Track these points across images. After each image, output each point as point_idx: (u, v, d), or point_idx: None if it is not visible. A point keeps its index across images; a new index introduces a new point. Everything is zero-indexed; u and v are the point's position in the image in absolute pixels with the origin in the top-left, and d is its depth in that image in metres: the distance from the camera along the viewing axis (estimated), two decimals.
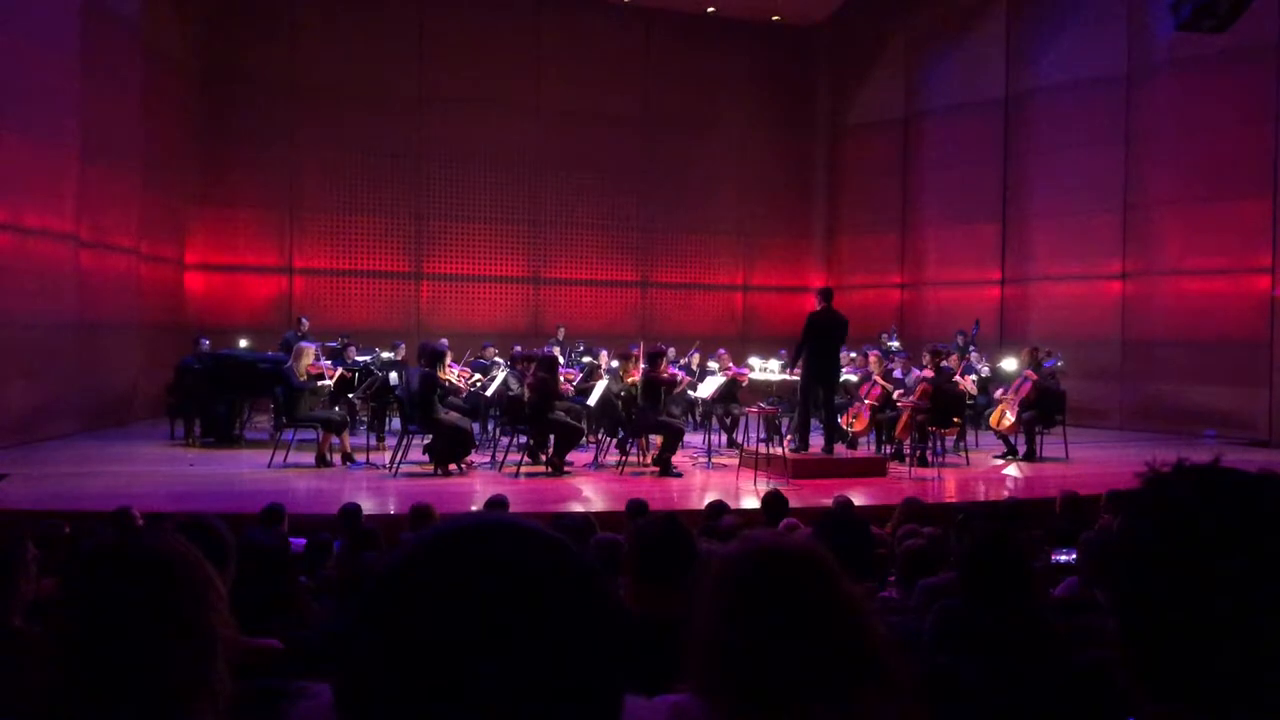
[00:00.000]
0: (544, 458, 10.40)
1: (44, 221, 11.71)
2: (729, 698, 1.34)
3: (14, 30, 11.01)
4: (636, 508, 6.32)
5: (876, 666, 1.36)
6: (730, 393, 12.25)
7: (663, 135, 18.68)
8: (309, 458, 10.38)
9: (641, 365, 10.74)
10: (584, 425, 11.22)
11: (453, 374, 11.13)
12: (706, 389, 11.67)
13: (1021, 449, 11.67)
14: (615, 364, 12.03)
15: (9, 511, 7.01)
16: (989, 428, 12.21)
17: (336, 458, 10.42)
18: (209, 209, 16.31)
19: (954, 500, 9.04)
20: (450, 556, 0.76)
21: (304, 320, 13.69)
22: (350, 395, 11.41)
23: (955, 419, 11.15)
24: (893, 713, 1.33)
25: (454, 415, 10.42)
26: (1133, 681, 0.93)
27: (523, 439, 10.78)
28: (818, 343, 10.36)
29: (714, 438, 11.91)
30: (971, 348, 13.67)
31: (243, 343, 14.33)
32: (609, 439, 11.33)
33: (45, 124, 11.67)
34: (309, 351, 10.63)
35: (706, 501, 7.08)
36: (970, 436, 12.36)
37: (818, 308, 10.47)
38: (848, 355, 13.23)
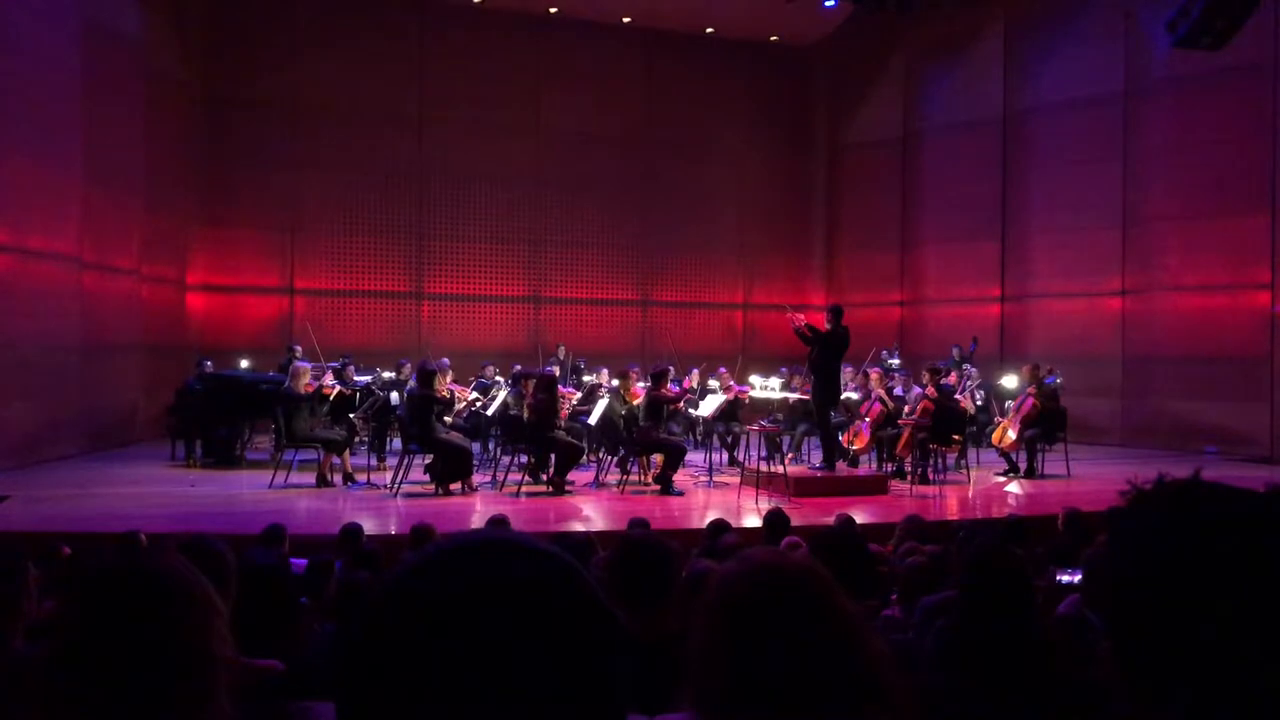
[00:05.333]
0: (545, 477, 10.39)
1: (47, 243, 11.75)
2: (729, 716, 1.35)
3: (17, 53, 11.08)
4: (638, 526, 6.30)
5: (876, 683, 1.36)
6: (731, 411, 12.25)
7: (662, 155, 18.76)
8: (310, 478, 10.37)
9: (642, 384, 10.74)
10: (584, 444, 11.21)
11: (446, 381, 11.12)
12: (707, 407, 11.68)
13: (1023, 466, 11.67)
14: (616, 382, 12.04)
15: (10, 533, 7.00)
16: (991, 445, 12.21)
17: (337, 478, 10.42)
18: (210, 230, 16.36)
19: (955, 518, 9.02)
20: (451, 572, 0.76)
21: (297, 348, 13.65)
22: (351, 415, 11.42)
23: (956, 436, 11.15)
24: None
25: (454, 435, 10.43)
26: (1126, 698, 0.94)
27: (523, 458, 10.78)
28: (835, 361, 10.42)
29: (715, 456, 11.90)
30: (966, 365, 13.59)
31: (244, 363, 14.34)
32: (610, 458, 11.33)
33: (48, 147, 11.73)
34: (305, 371, 10.66)
35: (708, 520, 7.06)
36: (971, 454, 12.34)
37: (832, 325, 10.42)
38: (849, 372, 13.25)
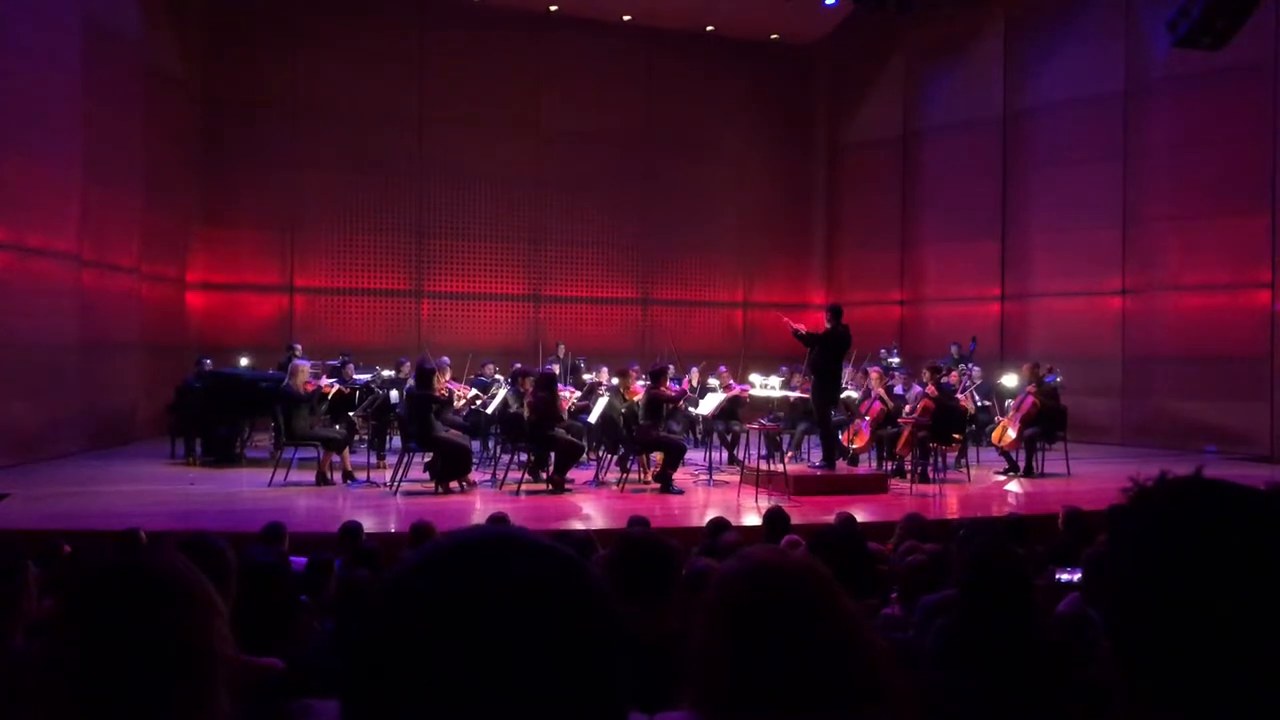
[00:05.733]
0: (545, 475, 10.39)
1: (46, 242, 11.75)
2: (728, 715, 1.34)
3: (17, 53, 11.08)
4: (637, 525, 6.30)
5: (876, 682, 1.36)
6: (731, 410, 12.25)
7: (663, 153, 18.75)
8: (310, 476, 10.37)
9: (642, 382, 10.73)
10: (584, 442, 11.21)
11: (444, 379, 11.12)
12: (707, 406, 11.68)
13: (1023, 465, 11.67)
14: (615, 381, 12.04)
15: (10, 531, 7.01)
16: (991, 444, 12.21)
17: (337, 476, 10.42)
18: (210, 228, 16.37)
19: (956, 516, 9.02)
20: (451, 569, 0.76)
21: (297, 346, 13.65)
22: (350, 413, 11.42)
23: (956, 435, 11.15)
24: None
25: (453, 433, 10.43)
26: (1126, 697, 0.94)
27: (523, 456, 10.78)
28: (836, 361, 10.41)
29: (715, 455, 11.90)
30: (966, 365, 13.54)
31: (243, 361, 14.34)
32: (610, 456, 11.33)
33: (48, 145, 11.73)
34: (303, 369, 10.68)
35: (708, 519, 7.06)
36: (971, 453, 12.34)
37: (831, 325, 10.39)
38: (849, 371, 13.24)
